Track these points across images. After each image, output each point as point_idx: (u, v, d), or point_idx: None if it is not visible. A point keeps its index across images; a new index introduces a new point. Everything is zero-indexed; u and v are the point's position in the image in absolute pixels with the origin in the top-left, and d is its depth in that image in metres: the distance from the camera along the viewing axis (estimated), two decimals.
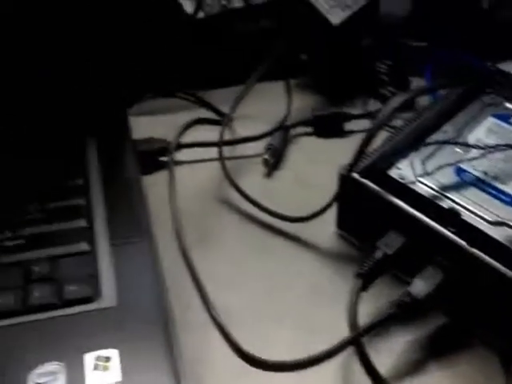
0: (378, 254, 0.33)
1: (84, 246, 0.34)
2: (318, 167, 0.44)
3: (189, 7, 0.59)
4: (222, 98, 0.52)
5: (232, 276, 0.36)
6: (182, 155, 0.45)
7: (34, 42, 0.40)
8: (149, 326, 0.29)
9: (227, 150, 0.45)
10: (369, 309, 0.33)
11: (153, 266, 0.33)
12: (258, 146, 0.46)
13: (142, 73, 0.51)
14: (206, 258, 0.36)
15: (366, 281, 0.32)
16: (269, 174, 0.44)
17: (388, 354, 0.32)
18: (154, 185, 0.42)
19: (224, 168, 0.42)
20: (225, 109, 0.50)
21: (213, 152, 0.45)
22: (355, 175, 0.36)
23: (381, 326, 0.31)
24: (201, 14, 0.56)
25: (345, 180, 0.36)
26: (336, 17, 0.53)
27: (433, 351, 0.32)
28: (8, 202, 0.36)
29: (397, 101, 0.36)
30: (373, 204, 0.35)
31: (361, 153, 0.35)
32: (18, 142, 0.40)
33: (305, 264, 0.37)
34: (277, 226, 0.39)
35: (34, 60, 0.41)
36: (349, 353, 0.31)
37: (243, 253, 0.38)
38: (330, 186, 0.38)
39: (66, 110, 0.42)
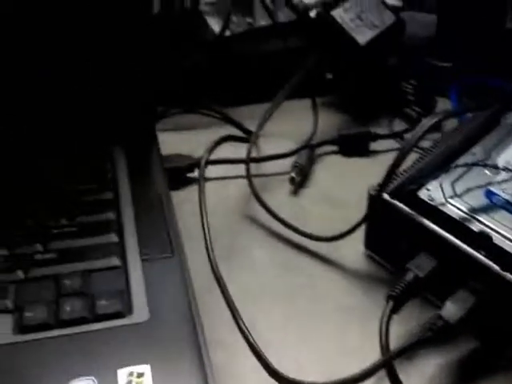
0: (409, 276, 0.33)
1: (115, 261, 0.34)
2: (343, 186, 0.44)
3: (215, 26, 0.60)
4: (245, 114, 0.52)
5: (261, 294, 0.36)
6: (208, 172, 0.45)
7: (66, 53, 0.41)
8: (180, 341, 0.29)
9: (253, 168, 0.45)
10: (399, 331, 0.33)
11: (183, 282, 0.33)
12: (283, 164, 0.46)
13: (168, 88, 0.52)
14: (234, 275, 0.36)
15: (397, 303, 0.32)
16: (295, 192, 0.44)
17: (419, 377, 0.32)
18: (182, 201, 0.42)
19: (251, 185, 0.42)
20: (249, 126, 0.50)
21: (238, 169, 0.45)
22: (385, 196, 0.36)
23: (412, 349, 0.30)
24: (227, 33, 0.57)
25: (374, 200, 0.36)
26: (363, 36, 0.53)
27: (464, 375, 0.32)
28: (38, 216, 0.36)
29: (427, 123, 0.36)
30: (402, 225, 0.35)
31: (391, 174, 0.35)
32: (48, 155, 0.41)
33: (333, 284, 0.37)
34: (304, 244, 0.39)
35: (65, 72, 0.41)
36: (379, 376, 0.30)
37: (272, 271, 0.38)
38: (357, 206, 0.38)
39: (95, 122, 0.43)
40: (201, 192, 0.38)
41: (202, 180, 0.38)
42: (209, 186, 0.44)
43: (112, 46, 0.41)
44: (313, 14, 0.62)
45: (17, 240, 0.34)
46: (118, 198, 0.38)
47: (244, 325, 0.31)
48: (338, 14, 0.55)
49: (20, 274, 0.32)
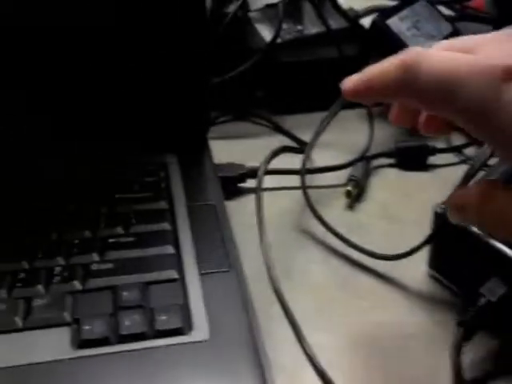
0: (481, 302, 0.31)
1: (172, 274, 0.32)
2: (402, 201, 0.43)
3: (265, 32, 0.59)
4: (296, 123, 0.51)
5: (319, 313, 0.35)
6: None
7: (121, 60, 0.40)
8: (242, 363, 0.28)
9: (307, 179, 0.44)
10: (468, 358, 0.31)
11: (243, 299, 0.31)
12: (338, 176, 0.45)
13: (218, 96, 0.51)
14: (292, 292, 0.35)
15: (468, 330, 0.30)
16: (351, 206, 0.43)
17: None
18: (232, 212, 0.41)
19: (307, 197, 0.41)
20: (300, 135, 0.49)
21: (291, 179, 0.44)
22: None
23: (486, 381, 0.29)
24: (278, 40, 0.56)
25: (441, 219, 0.35)
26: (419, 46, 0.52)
27: None
28: (92, 224, 0.35)
29: None
30: (471, 246, 0.34)
31: None
32: (101, 162, 0.40)
33: (395, 305, 0.35)
34: (362, 261, 0.38)
35: (120, 78, 0.41)
36: None
37: (329, 289, 0.36)
38: (416, 222, 0.36)
39: (148, 129, 0.42)
40: (258, 204, 0.36)
41: (259, 191, 0.37)
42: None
43: (166, 52, 0.41)
44: (366, 21, 0.61)
45: (73, 249, 0.33)
46: (172, 208, 0.37)
47: (310, 349, 0.30)
48: (393, 22, 0.54)
49: (77, 285, 0.31)
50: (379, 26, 0.52)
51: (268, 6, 0.56)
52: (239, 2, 0.54)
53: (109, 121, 0.41)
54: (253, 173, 0.43)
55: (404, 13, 0.54)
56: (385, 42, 0.52)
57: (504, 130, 0.24)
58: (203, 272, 0.33)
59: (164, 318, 0.30)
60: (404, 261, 0.36)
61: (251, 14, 0.60)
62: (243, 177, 0.43)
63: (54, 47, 0.39)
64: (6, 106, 0.40)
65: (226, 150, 0.47)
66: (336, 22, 0.59)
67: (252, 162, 0.45)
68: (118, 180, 0.39)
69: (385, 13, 0.54)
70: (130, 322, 0.29)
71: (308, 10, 0.62)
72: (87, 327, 0.29)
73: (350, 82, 0.27)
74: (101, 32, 0.39)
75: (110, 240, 0.34)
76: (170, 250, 0.34)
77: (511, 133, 0.24)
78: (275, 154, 0.39)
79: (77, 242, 0.34)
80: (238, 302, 0.31)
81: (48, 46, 0.38)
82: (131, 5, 0.39)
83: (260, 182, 0.38)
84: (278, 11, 0.58)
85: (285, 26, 0.57)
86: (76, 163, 0.40)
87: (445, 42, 0.27)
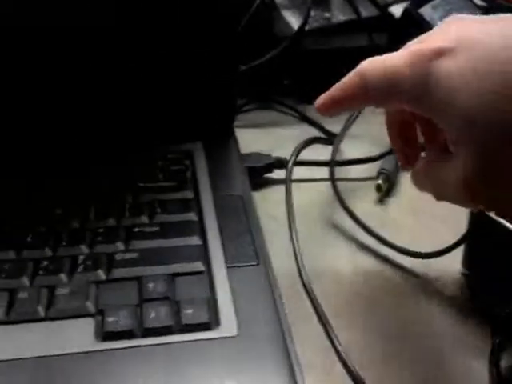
0: None
1: (198, 266, 0.31)
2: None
3: (291, 19, 0.58)
4: None
5: (348, 309, 0.34)
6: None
7: (148, 48, 0.39)
8: (272, 361, 0.27)
9: (336, 171, 0.42)
10: (507, 362, 0.30)
11: (271, 294, 0.30)
12: (367, 169, 0.44)
13: (244, 83, 0.50)
14: (320, 287, 0.34)
15: (507, 334, 0.29)
16: (381, 201, 0.41)
17: None
18: (261, 202, 0.40)
19: (336, 190, 0.40)
20: (327, 125, 0.48)
21: (318, 171, 0.43)
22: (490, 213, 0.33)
23: None
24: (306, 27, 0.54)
25: (477, 218, 0.33)
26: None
27: None
28: (117, 212, 0.34)
29: None
30: (508, 246, 0.32)
31: None
32: (126, 150, 0.39)
33: (425, 304, 0.34)
34: (392, 257, 0.37)
35: (147, 67, 0.39)
36: None
37: (358, 285, 0.35)
38: (448, 219, 0.35)
39: (174, 116, 0.41)
40: (288, 195, 0.35)
41: (289, 183, 0.35)
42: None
43: (194, 39, 0.39)
44: (394, 9, 0.59)
45: (97, 237, 0.33)
46: (198, 198, 0.36)
47: (340, 346, 0.29)
48: (426, 11, 0.52)
49: (101, 274, 0.31)
50: (411, 15, 0.51)
51: None
52: None
53: (134, 108, 0.40)
54: (280, 163, 0.42)
55: (436, 1, 0.53)
56: (417, 31, 0.51)
57: (439, 107, 0.27)
58: (230, 265, 0.32)
59: (190, 311, 0.29)
60: (436, 258, 0.35)
61: (278, 0, 0.58)
62: (270, 167, 0.42)
63: (78, 43, 0.38)
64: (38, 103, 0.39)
65: (250, 139, 0.46)
66: (365, 10, 0.58)
67: (278, 152, 0.44)
68: (142, 168, 0.38)
69: (417, 1, 0.52)
70: (156, 314, 0.28)
71: None
72: (112, 319, 0.28)
73: (320, 100, 0.31)
74: (130, 19, 0.38)
75: (135, 229, 0.33)
76: (196, 241, 0.33)
77: (445, 109, 0.26)
78: (306, 144, 0.37)
79: (101, 230, 0.33)
80: (266, 298, 0.30)
81: (71, 41, 0.38)
82: None
83: (290, 173, 0.36)
84: None
85: (312, 13, 0.56)
86: (101, 151, 0.39)
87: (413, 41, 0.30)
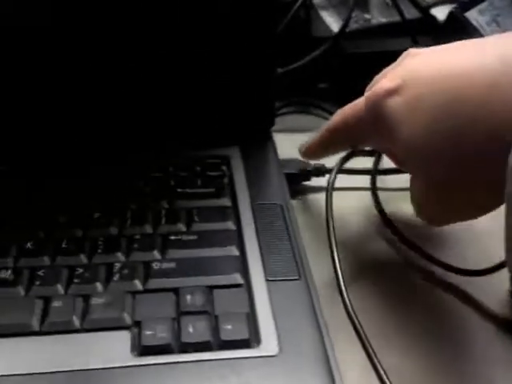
0: None
1: (237, 278, 0.30)
2: None
3: (328, 19, 0.56)
4: None
5: (389, 327, 0.32)
6: (323, 181, 0.41)
7: (186, 51, 0.38)
8: (314, 382, 0.26)
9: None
10: None
11: (313, 311, 0.29)
12: (406, 177, 0.42)
13: (281, 86, 0.48)
14: (360, 303, 0.32)
15: None
16: None
17: None
18: (298, 211, 0.39)
19: (377, 201, 0.38)
20: None
21: (358, 180, 0.41)
22: None
23: None
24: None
25: None
26: None
27: None
28: (153, 219, 0.33)
29: None
30: None
31: None
32: (163, 155, 0.38)
33: (473, 325, 0.32)
34: (435, 272, 0.35)
35: (185, 69, 0.38)
36: None
37: (400, 301, 0.34)
38: (495, 232, 0.33)
39: (211, 120, 0.40)
40: (328, 205, 0.34)
41: (330, 191, 0.34)
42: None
43: (230, 42, 0.38)
44: (439, 11, 0.58)
45: (133, 245, 0.32)
46: (236, 206, 0.35)
47: (382, 368, 0.28)
48: (472, 15, 0.50)
49: (138, 284, 0.30)
50: (457, 19, 0.49)
51: None
52: None
53: (172, 111, 0.39)
54: (318, 170, 0.41)
55: (483, 5, 0.51)
56: (462, 36, 0.49)
57: (389, 140, 0.31)
58: (270, 279, 0.30)
59: (229, 327, 0.28)
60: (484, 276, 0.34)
61: (316, 1, 0.57)
62: (309, 175, 0.41)
63: (118, 42, 0.37)
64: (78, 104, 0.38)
65: (286, 144, 0.45)
66: (406, 12, 0.56)
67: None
68: (179, 173, 0.37)
69: (463, 5, 0.51)
70: (194, 329, 0.27)
71: None
72: (149, 332, 0.27)
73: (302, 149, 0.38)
74: (167, 23, 0.37)
75: (172, 237, 0.32)
76: (234, 251, 0.32)
77: (393, 141, 0.30)
78: (352, 154, 0.36)
79: (137, 237, 0.32)
80: (308, 315, 0.29)
81: (114, 41, 0.37)
82: None
83: (333, 182, 0.35)
84: None
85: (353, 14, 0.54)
86: (137, 154, 0.38)
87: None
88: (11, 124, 0.38)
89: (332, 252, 0.33)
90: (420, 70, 0.30)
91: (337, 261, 0.32)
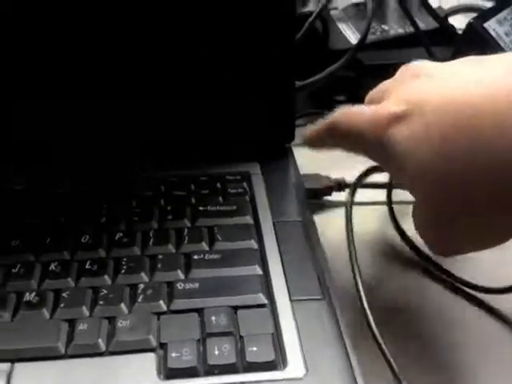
0: None
1: (260, 298, 0.30)
2: None
3: (346, 31, 0.56)
4: None
5: (414, 348, 0.32)
6: (343, 196, 0.41)
7: (206, 65, 0.38)
8: None
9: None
10: None
11: (339, 332, 0.29)
12: None
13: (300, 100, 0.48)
14: (383, 323, 0.32)
15: None
16: None
17: None
18: (319, 228, 0.38)
19: (393, 216, 0.38)
20: None
21: (377, 194, 0.41)
22: None
23: None
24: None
25: None
26: None
27: None
28: (175, 238, 0.33)
29: None
30: None
31: None
32: (184, 174, 0.38)
33: (499, 344, 0.32)
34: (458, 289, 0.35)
35: (206, 83, 0.38)
36: None
37: (424, 322, 0.34)
38: None
39: (231, 135, 0.40)
40: (348, 223, 0.34)
41: (349, 208, 0.34)
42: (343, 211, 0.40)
43: (249, 56, 0.38)
44: (456, 20, 0.57)
45: (156, 265, 0.32)
46: (258, 224, 0.35)
47: None
48: (491, 26, 0.50)
49: (162, 305, 0.29)
50: (476, 30, 0.49)
51: (354, 4, 0.53)
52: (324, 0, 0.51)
53: (191, 127, 0.39)
54: (340, 186, 0.41)
55: (503, 14, 0.50)
56: (481, 48, 0.49)
57: (395, 167, 0.30)
58: (294, 298, 0.30)
59: (255, 348, 0.27)
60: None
61: (333, 12, 0.57)
62: (330, 190, 0.41)
63: (130, 48, 0.37)
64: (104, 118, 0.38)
65: (306, 158, 0.45)
66: (424, 22, 0.56)
67: (333, 173, 0.42)
68: (199, 191, 0.37)
69: (482, 15, 0.50)
70: (219, 351, 0.27)
71: (392, 7, 0.58)
72: (175, 354, 0.27)
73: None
74: (189, 40, 0.37)
75: (195, 257, 0.32)
76: (257, 270, 0.32)
77: (399, 170, 0.29)
78: (373, 169, 0.36)
79: (160, 257, 0.32)
80: (333, 335, 0.28)
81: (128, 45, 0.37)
82: (216, 7, 0.37)
83: (352, 198, 0.35)
84: (359, 9, 0.55)
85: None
86: (158, 174, 0.38)
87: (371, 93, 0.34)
88: (28, 143, 0.39)
89: (354, 274, 0.33)
90: (425, 95, 0.28)
91: (359, 282, 0.32)
